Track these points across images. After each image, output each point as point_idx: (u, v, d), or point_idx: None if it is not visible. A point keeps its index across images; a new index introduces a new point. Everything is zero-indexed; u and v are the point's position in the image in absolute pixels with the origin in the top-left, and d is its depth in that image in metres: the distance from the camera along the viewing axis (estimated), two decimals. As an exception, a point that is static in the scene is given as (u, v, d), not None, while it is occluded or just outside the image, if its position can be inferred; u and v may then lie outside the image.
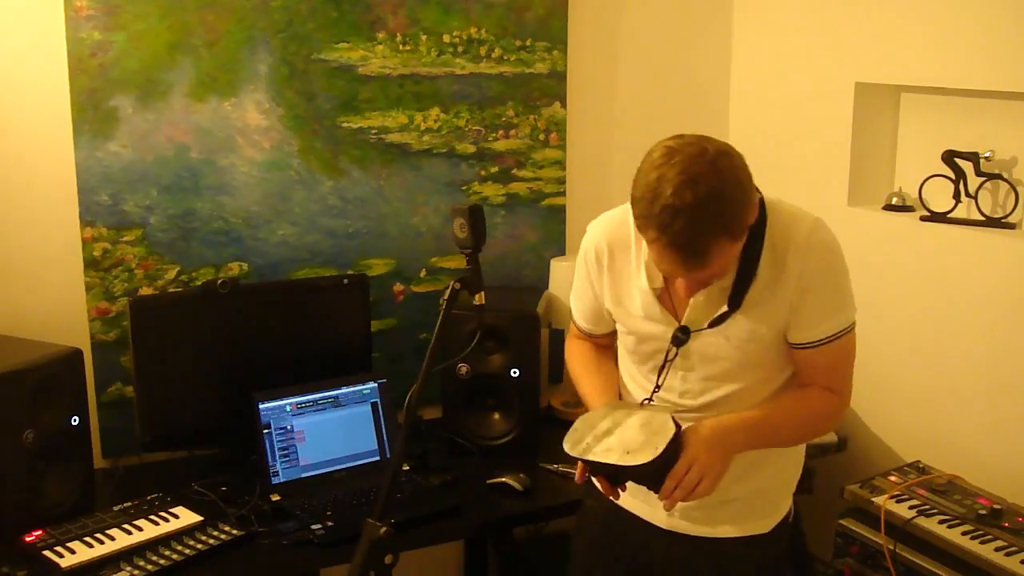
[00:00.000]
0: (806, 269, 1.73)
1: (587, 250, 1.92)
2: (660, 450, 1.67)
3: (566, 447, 1.77)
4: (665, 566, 1.93)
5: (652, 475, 1.71)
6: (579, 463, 1.78)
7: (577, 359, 2.06)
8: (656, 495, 1.73)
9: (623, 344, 1.96)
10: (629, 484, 1.81)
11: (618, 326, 1.95)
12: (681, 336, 1.79)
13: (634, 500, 1.93)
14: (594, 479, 1.84)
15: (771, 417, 1.81)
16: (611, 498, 1.84)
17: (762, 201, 1.74)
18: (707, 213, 1.55)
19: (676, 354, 1.81)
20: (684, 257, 1.59)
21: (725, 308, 1.76)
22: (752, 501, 1.89)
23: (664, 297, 1.81)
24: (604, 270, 1.89)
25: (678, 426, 1.72)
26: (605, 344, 2.05)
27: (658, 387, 1.85)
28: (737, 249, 1.66)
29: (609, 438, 1.74)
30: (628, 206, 1.78)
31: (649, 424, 1.73)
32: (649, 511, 1.92)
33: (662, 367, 1.83)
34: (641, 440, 1.71)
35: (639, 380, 1.93)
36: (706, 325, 1.78)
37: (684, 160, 1.56)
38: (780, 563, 1.95)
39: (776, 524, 1.92)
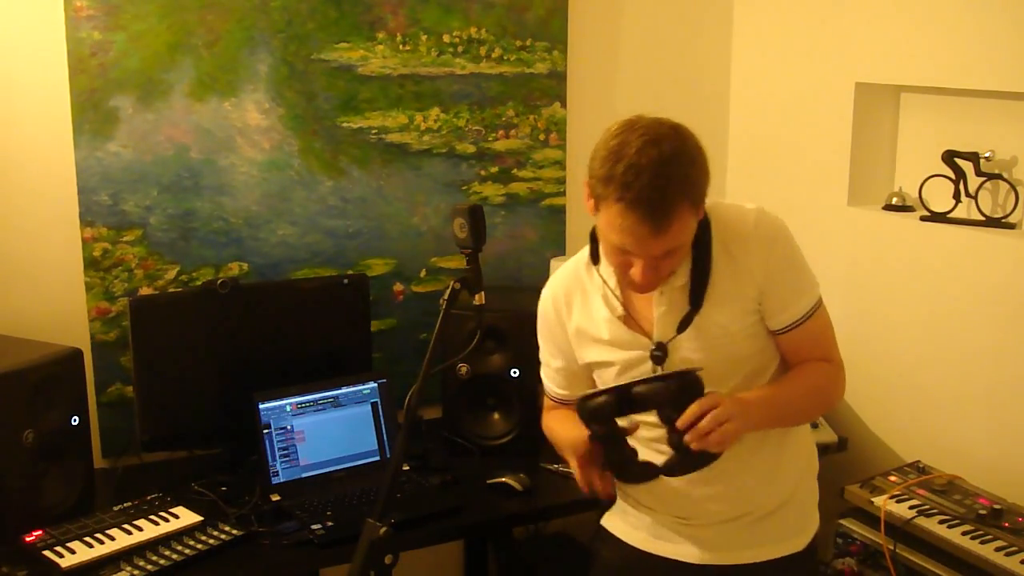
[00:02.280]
0: (765, 260, 1.74)
1: (545, 310, 1.93)
2: (672, 370, 1.67)
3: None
4: None
5: (667, 400, 1.65)
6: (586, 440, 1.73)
7: (556, 421, 1.96)
8: (671, 446, 1.67)
9: (604, 384, 1.87)
10: (651, 519, 1.84)
11: (595, 374, 1.89)
12: (659, 354, 1.78)
13: (660, 542, 1.88)
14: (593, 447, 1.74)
15: (781, 391, 1.80)
16: (604, 495, 1.78)
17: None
18: (671, 171, 1.57)
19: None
20: (648, 216, 1.57)
21: (688, 308, 1.75)
22: (786, 515, 1.86)
23: (630, 321, 1.81)
24: (565, 319, 1.89)
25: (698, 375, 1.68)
26: None
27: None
28: (693, 225, 1.65)
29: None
30: (574, 259, 1.86)
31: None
32: (679, 550, 1.86)
33: None
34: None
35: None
36: (675, 331, 1.77)
37: (646, 125, 1.60)
38: None
39: (810, 540, 1.90)
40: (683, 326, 1.76)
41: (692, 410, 1.62)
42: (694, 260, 1.75)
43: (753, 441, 1.79)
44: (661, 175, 1.56)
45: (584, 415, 1.71)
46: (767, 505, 1.84)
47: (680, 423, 1.63)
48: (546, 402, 2.05)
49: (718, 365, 1.76)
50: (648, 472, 1.73)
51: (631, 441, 1.74)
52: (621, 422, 1.72)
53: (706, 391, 1.66)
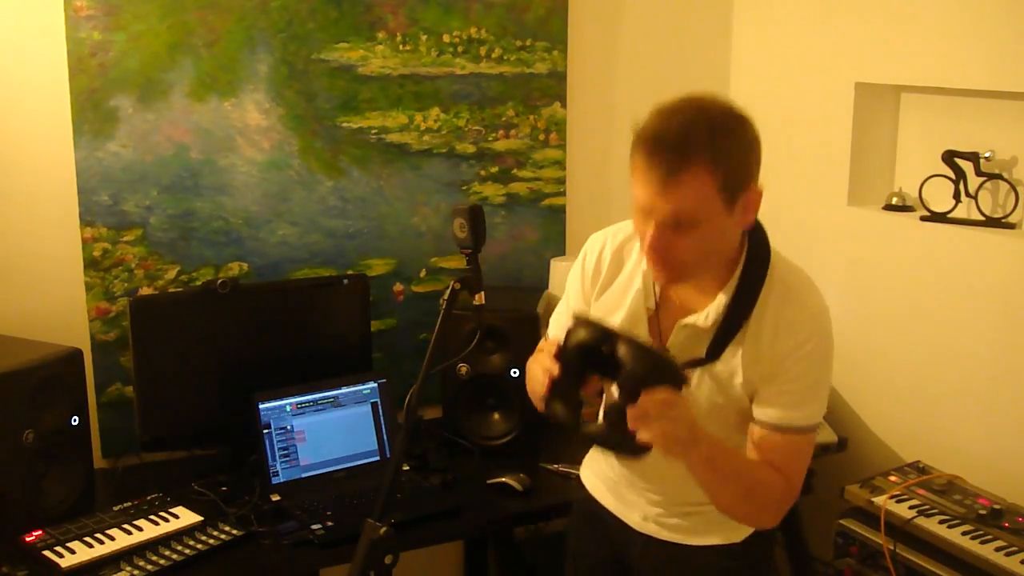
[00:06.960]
0: (793, 351, 1.63)
1: (591, 253, 1.88)
2: (663, 352, 1.61)
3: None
4: (640, 563, 1.95)
5: (640, 368, 1.52)
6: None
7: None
8: (605, 413, 1.61)
9: None
10: (605, 479, 1.89)
11: None
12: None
13: (611, 497, 1.97)
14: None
15: (731, 459, 1.68)
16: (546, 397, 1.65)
17: (767, 249, 1.68)
18: (701, 125, 1.48)
19: None
20: (662, 159, 1.47)
21: (704, 355, 1.68)
22: (719, 515, 1.79)
23: (652, 322, 1.77)
24: (600, 279, 1.85)
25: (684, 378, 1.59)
26: None
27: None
28: (712, 202, 1.51)
29: None
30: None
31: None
32: (624, 511, 1.94)
33: None
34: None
35: None
36: (680, 364, 1.66)
37: (700, 94, 1.56)
38: (749, 573, 1.92)
39: (749, 535, 1.86)
40: (689, 365, 1.69)
41: (659, 392, 1.51)
42: (731, 308, 1.64)
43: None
44: (689, 123, 1.48)
45: (567, 337, 1.64)
46: (702, 507, 1.79)
47: (640, 398, 1.51)
48: (540, 344, 1.88)
49: (696, 415, 1.63)
50: (576, 420, 1.65)
51: None
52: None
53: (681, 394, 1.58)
